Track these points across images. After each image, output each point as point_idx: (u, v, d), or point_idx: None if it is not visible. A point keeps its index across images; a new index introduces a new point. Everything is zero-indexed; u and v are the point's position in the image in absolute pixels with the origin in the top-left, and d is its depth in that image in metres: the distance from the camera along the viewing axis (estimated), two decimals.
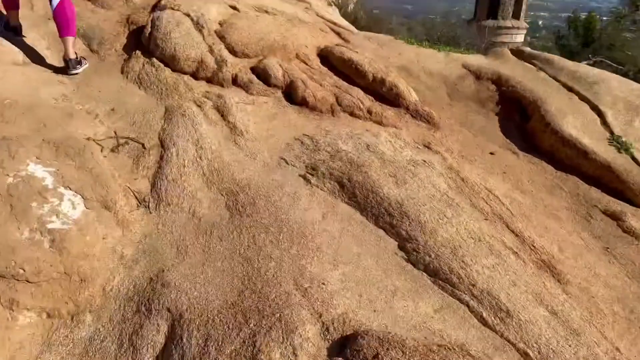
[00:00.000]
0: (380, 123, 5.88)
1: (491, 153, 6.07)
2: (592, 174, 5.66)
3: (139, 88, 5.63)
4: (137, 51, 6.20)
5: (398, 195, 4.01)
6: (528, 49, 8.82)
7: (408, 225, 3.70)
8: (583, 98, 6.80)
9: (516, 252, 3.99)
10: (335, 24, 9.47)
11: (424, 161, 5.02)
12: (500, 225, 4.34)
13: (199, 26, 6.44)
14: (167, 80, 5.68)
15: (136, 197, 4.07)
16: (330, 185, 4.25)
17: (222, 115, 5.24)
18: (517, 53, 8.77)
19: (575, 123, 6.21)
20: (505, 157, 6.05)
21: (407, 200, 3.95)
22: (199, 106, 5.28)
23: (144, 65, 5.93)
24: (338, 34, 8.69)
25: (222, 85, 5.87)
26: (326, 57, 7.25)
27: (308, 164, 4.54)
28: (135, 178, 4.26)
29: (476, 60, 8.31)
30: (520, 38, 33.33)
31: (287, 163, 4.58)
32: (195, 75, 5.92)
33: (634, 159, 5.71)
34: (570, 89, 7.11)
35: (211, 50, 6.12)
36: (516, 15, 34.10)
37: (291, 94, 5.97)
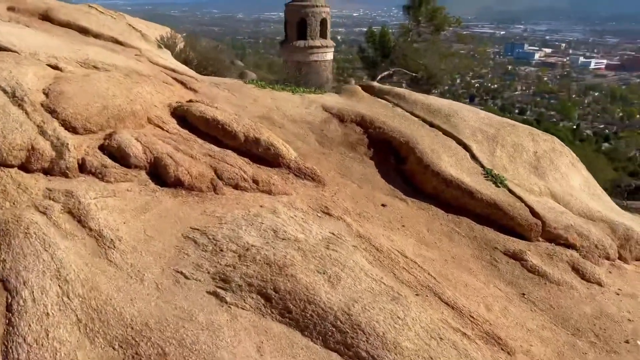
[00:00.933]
0: (269, 192, 5.21)
1: (383, 205, 5.82)
2: (481, 212, 5.75)
3: None
4: None
5: (341, 300, 3.41)
6: (377, 84, 8.94)
7: (367, 342, 3.12)
8: (447, 133, 6.99)
9: (465, 333, 3.69)
10: (174, 70, 8.49)
11: (334, 235, 4.51)
12: (434, 300, 4.02)
13: (17, 100, 5.03)
14: None
15: None
16: (252, 301, 3.46)
17: (79, 221, 4.04)
18: (367, 89, 8.81)
19: (451, 161, 6.31)
20: (397, 206, 5.86)
21: (353, 305, 3.37)
22: (43, 214, 4.01)
23: None
24: (183, 83, 7.76)
25: (66, 176, 4.61)
26: (182, 117, 6.32)
27: (215, 274, 3.67)
28: None
29: (333, 101, 8.11)
30: (330, 55, 35.21)
31: (186, 278, 3.65)
32: (26, 168, 4.55)
33: (510, 191, 5.95)
34: (431, 125, 7.27)
35: (42, 132, 4.79)
36: (323, 35, 35.95)
37: (159, 173, 4.96)
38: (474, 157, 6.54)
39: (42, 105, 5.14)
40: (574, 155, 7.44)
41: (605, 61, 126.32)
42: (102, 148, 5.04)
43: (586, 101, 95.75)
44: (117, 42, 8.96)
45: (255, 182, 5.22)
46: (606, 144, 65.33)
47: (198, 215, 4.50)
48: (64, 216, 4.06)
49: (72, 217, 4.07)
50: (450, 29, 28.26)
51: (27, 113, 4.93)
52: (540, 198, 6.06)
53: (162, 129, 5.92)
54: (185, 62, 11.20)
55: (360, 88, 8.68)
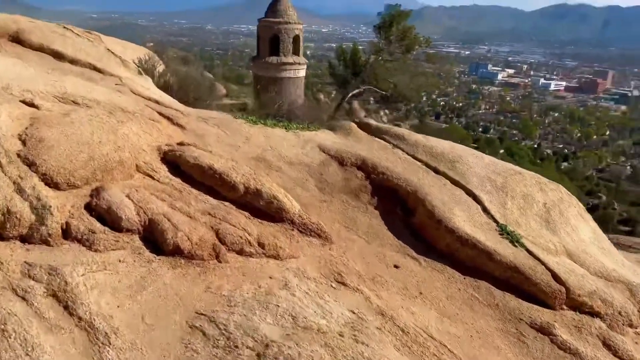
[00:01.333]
0: (276, 257, 4.69)
1: (395, 266, 5.38)
2: (500, 276, 5.37)
3: None
4: None
5: None
6: (374, 123, 8.55)
7: None
8: (454, 182, 6.63)
9: None
10: (158, 102, 7.88)
11: (355, 314, 4.03)
12: None
13: None
14: None
15: None
16: None
17: (65, 307, 3.43)
18: (364, 127, 8.41)
19: (463, 216, 5.92)
20: (410, 268, 5.41)
21: None
22: (23, 299, 3.38)
23: None
24: (169, 119, 7.15)
25: (47, 244, 3.98)
26: (174, 162, 5.74)
27: None
28: None
29: (330, 140, 7.65)
30: (302, 72, 34.97)
31: None
32: (0, 235, 3.90)
33: (528, 251, 5.61)
34: (436, 171, 6.91)
35: (20, 189, 4.14)
36: (296, 52, 35.73)
37: (155, 238, 4.36)
38: (485, 210, 6.18)
39: (18, 155, 4.49)
40: (581, 205, 7.21)
41: (564, 83, 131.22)
42: (88, 207, 4.42)
43: (546, 121, 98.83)
44: (95, 69, 8.29)
45: (261, 245, 4.68)
46: (565, 164, 67.33)
47: (202, 293, 3.93)
48: (48, 301, 3.43)
49: (57, 302, 3.45)
50: (420, 48, 28.35)
51: (1, 166, 4.28)
52: (558, 258, 5.73)
53: (153, 178, 5.33)
54: (166, 88, 10.57)
55: (356, 126, 8.27)
